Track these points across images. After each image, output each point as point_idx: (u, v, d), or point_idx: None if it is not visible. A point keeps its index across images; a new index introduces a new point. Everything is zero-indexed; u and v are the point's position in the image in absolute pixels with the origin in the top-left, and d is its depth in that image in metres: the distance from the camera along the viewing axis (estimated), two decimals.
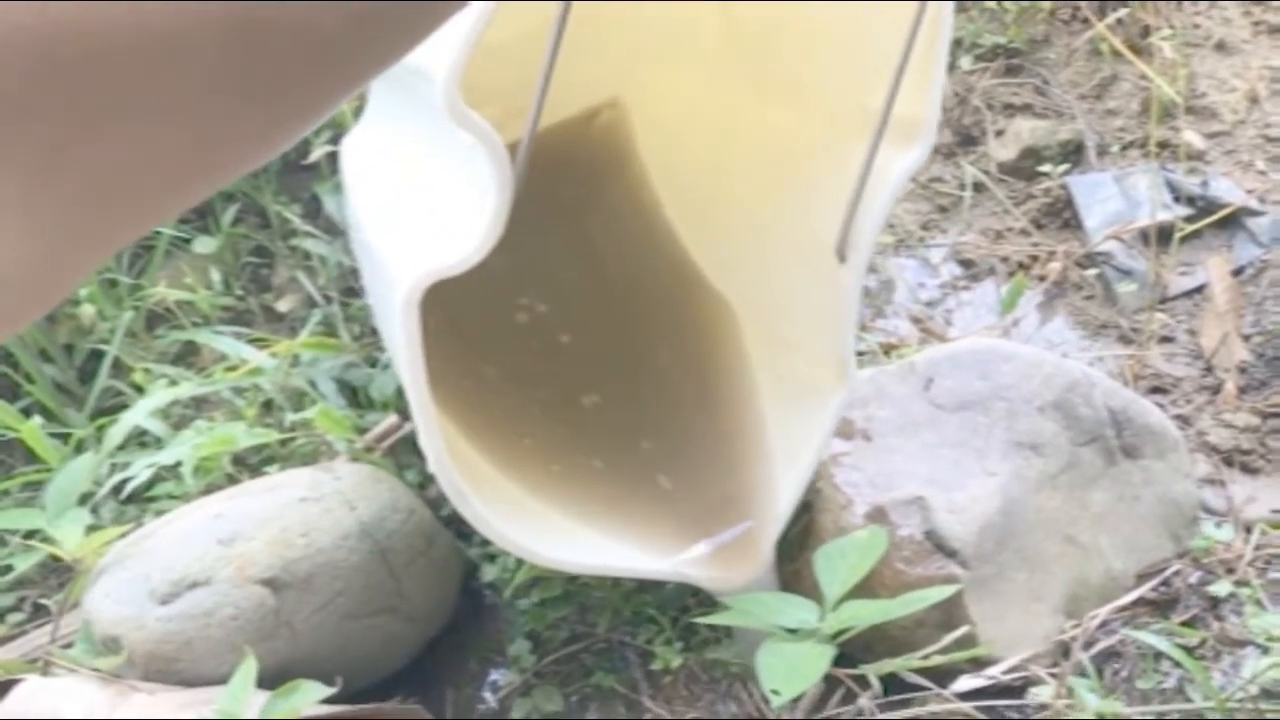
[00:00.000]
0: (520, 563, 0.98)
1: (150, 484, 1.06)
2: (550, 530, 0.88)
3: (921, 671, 0.88)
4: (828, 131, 0.89)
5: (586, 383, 1.04)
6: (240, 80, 0.21)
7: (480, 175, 0.71)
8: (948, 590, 0.87)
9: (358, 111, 1.08)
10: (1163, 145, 1.36)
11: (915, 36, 0.74)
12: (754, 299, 1.01)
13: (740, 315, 1.03)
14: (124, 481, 1.04)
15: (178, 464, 1.01)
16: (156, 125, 0.21)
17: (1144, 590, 0.97)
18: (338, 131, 1.21)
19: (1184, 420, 1.14)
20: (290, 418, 1.09)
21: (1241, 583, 0.98)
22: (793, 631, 0.85)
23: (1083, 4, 1.48)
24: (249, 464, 1.10)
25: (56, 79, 0.20)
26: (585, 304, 1.10)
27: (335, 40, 0.22)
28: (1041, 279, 1.29)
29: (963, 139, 1.44)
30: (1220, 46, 1.45)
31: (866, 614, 0.86)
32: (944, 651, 0.88)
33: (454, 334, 1.01)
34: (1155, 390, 1.17)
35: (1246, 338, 1.20)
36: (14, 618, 1.07)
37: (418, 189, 0.86)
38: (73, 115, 0.20)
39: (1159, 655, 0.92)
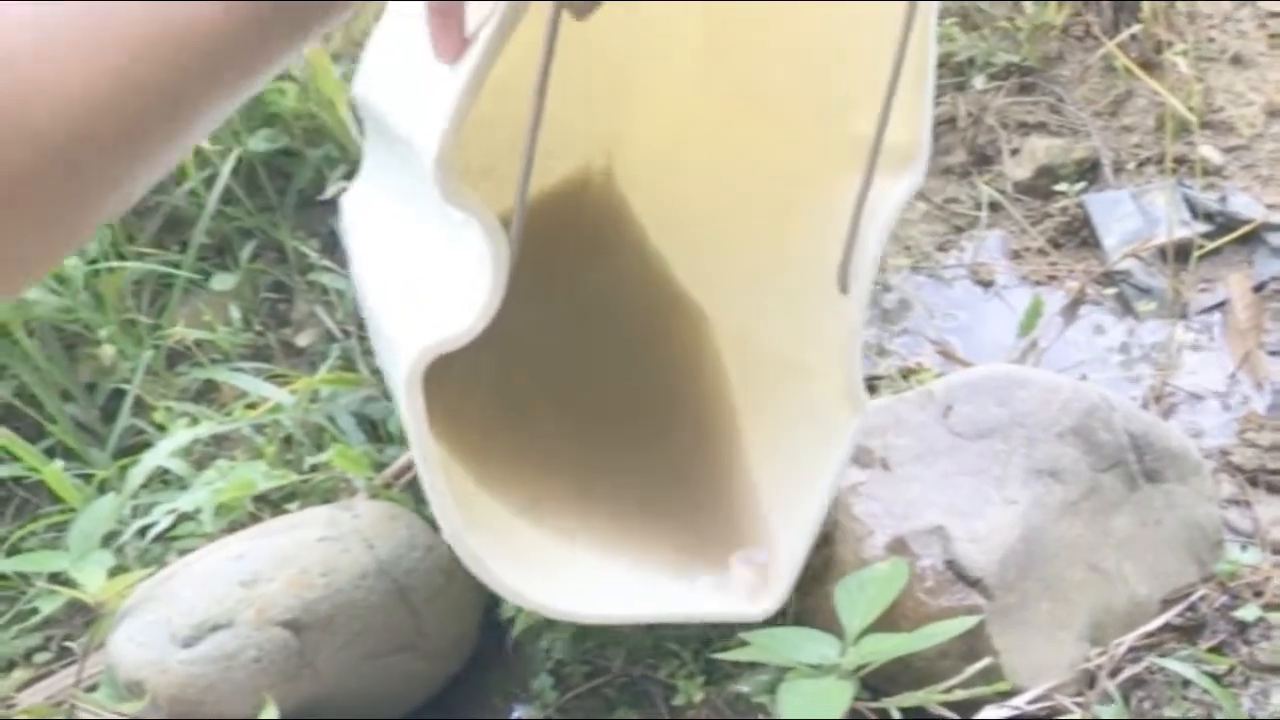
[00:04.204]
0: None
1: (174, 523, 1.07)
2: (552, 570, 0.87)
3: (946, 704, 0.87)
4: (819, 160, 0.88)
5: (591, 423, 1.04)
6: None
7: (475, 243, 0.71)
8: (970, 621, 0.86)
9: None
10: (1180, 161, 1.35)
11: (903, 58, 0.72)
12: (761, 335, 1.00)
13: (746, 350, 1.02)
14: (147, 524, 1.05)
15: (198, 509, 1.02)
16: None
17: (1170, 616, 0.96)
18: (353, 167, 1.22)
19: (1207, 440, 1.12)
20: (310, 460, 1.09)
21: (1270, 606, 0.97)
22: (814, 667, 0.85)
23: (1095, 20, 1.47)
24: (270, 500, 1.11)
25: None
26: (588, 349, 1.10)
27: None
28: (1062, 298, 1.29)
29: (978, 158, 1.43)
30: (1236, 60, 1.44)
31: (888, 647, 0.85)
32: (968, 683, 0.87)
33: (465, 376, 1.01)
34: (1177, 410, 1.16)
35: (1271, 354, 1.19)
36: (40, 657, 1.08)
37: (415, 255, 0.86)
38: None
39: (1186, 683, 0.91)
